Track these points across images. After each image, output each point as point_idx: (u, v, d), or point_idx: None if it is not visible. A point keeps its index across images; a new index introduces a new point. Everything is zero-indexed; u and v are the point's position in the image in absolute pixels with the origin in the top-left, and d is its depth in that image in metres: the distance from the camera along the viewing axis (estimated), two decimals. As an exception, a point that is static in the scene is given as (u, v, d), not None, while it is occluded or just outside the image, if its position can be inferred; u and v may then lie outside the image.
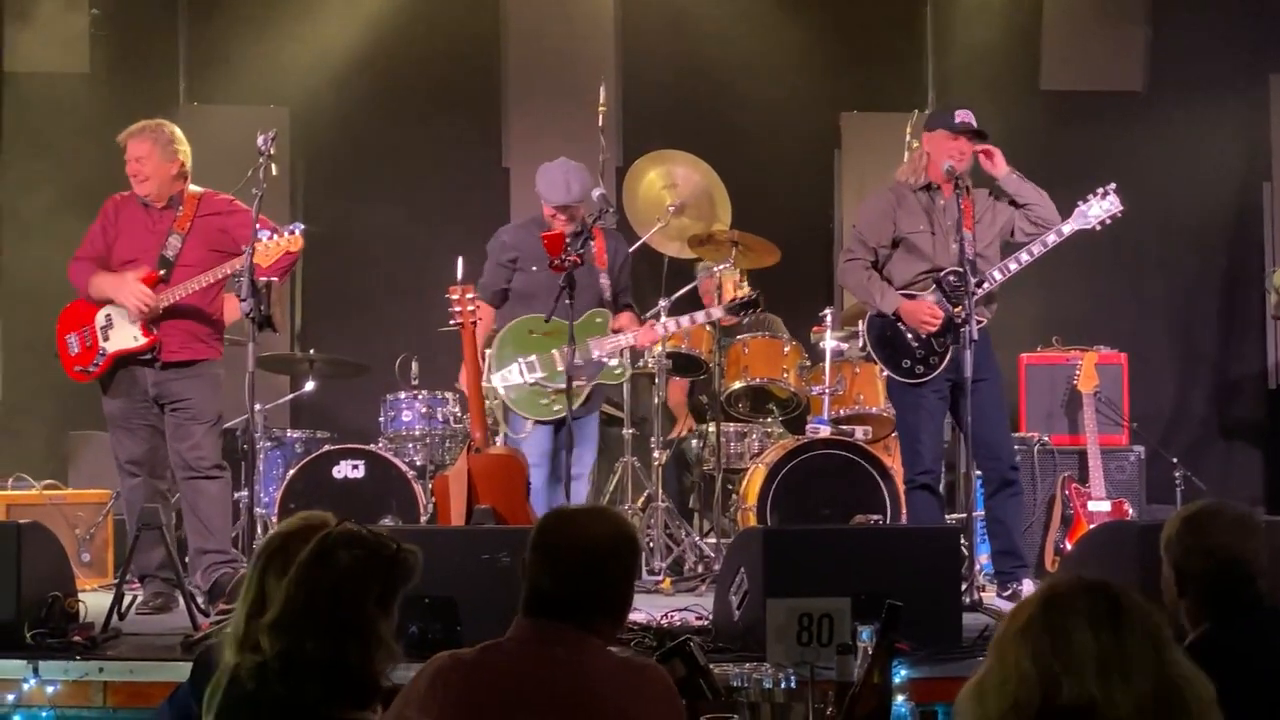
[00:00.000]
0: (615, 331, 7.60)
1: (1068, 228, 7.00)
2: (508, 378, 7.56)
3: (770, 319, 9.14)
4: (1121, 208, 6.92)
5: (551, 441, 7.56)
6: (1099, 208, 6.93)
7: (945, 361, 7.08)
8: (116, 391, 7.08)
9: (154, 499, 6.96)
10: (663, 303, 8.34)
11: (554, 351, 7.48)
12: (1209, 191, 10.33)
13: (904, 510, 7.53)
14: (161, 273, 6.98)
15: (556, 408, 7.45)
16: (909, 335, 7.16)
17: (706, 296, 8.99)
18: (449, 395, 8.63)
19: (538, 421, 7.59)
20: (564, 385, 7.25)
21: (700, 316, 7.88)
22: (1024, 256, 7.06)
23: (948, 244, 7.11)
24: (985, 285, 7.01)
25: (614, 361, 7.62)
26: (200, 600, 6.70)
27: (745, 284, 9.14)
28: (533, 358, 7.54)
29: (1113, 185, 6.98)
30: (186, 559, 7.19)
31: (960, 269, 6.97)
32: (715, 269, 8.55)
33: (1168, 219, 10.28)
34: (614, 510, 3.65)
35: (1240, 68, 10.32)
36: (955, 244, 7.02)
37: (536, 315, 7.48)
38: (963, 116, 7.15)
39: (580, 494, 7.60)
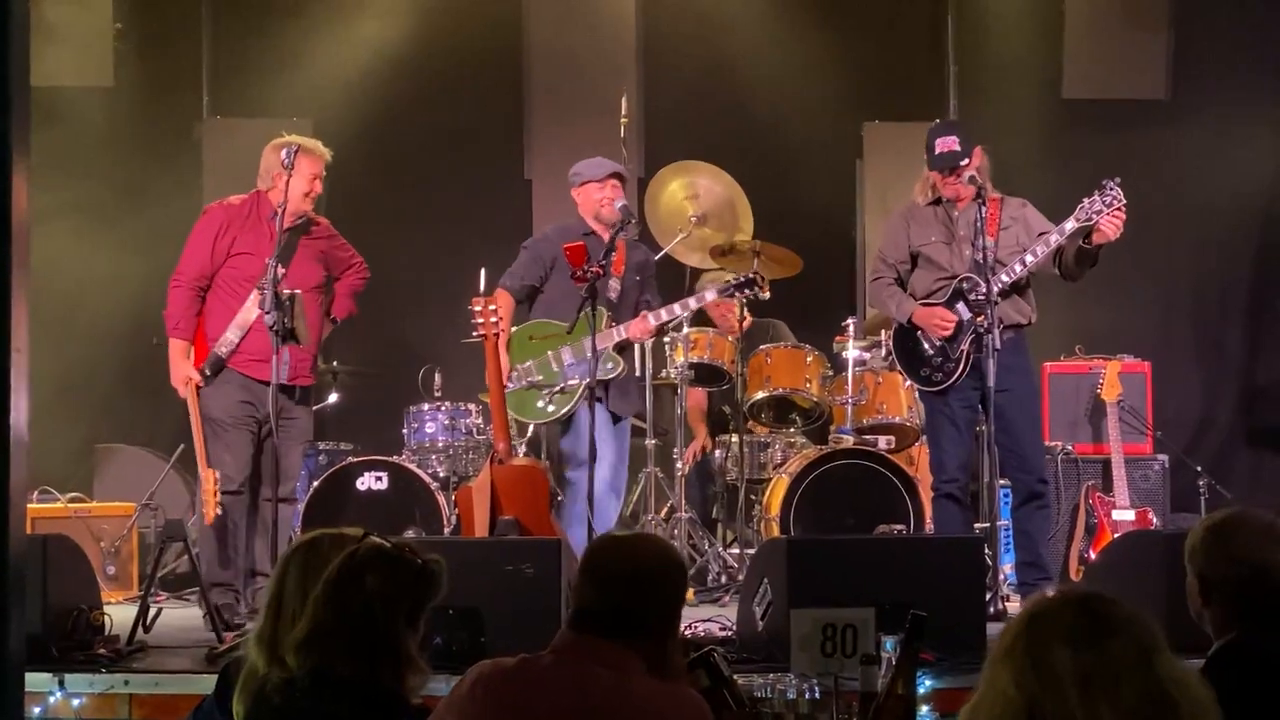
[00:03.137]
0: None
1: (1069, 225, 6.99)
2: (508, 387, 7.63)
3: (777, 325, 9.14)
4: (1123, 200, 6.89)
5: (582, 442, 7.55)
6: (1100, 203, 6.92)
7: (961, 369, 7.11)
8: (230, 402, 7.02)
9: (252, 513, 7.00)
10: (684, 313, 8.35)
11: (549, 353, 7.61)
12: (1233, 199, 10.28)
13: (928, 519, 7.54)
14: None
15: (551, 409, 7.56)
16: (925, 344, 7.21)
17: (718, 315, 9.03)
18: (472, 407, 8.65)
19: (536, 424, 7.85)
20: (560, 386, 7.49)
21: (692, 302, 7.84)
22: (1028, 258, 7.06)
23: (963, 252, 7.14)
24: (1005, 277, 7.02)
25: (606, 360, 7.65)
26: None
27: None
28: (529, 363, 7.65)
29: (1116, 179, 6.95)
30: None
31: (973, 276, 7.02)
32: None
33: (1191, 227, 10.25)
34: (660, 537, 3.65)
35: (1264, 74, 10.28)
36: (969, 251, 7.06)
37: (540, 321, 7.68)
38: (943, 146, 7.14)
39: (610, 514, 7.63)
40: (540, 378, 7.62)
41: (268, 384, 6.81)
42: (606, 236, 7.69)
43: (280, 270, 6.73)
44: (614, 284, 7.78)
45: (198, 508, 6.98)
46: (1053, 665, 2.33)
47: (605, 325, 7.58)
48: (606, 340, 7.56)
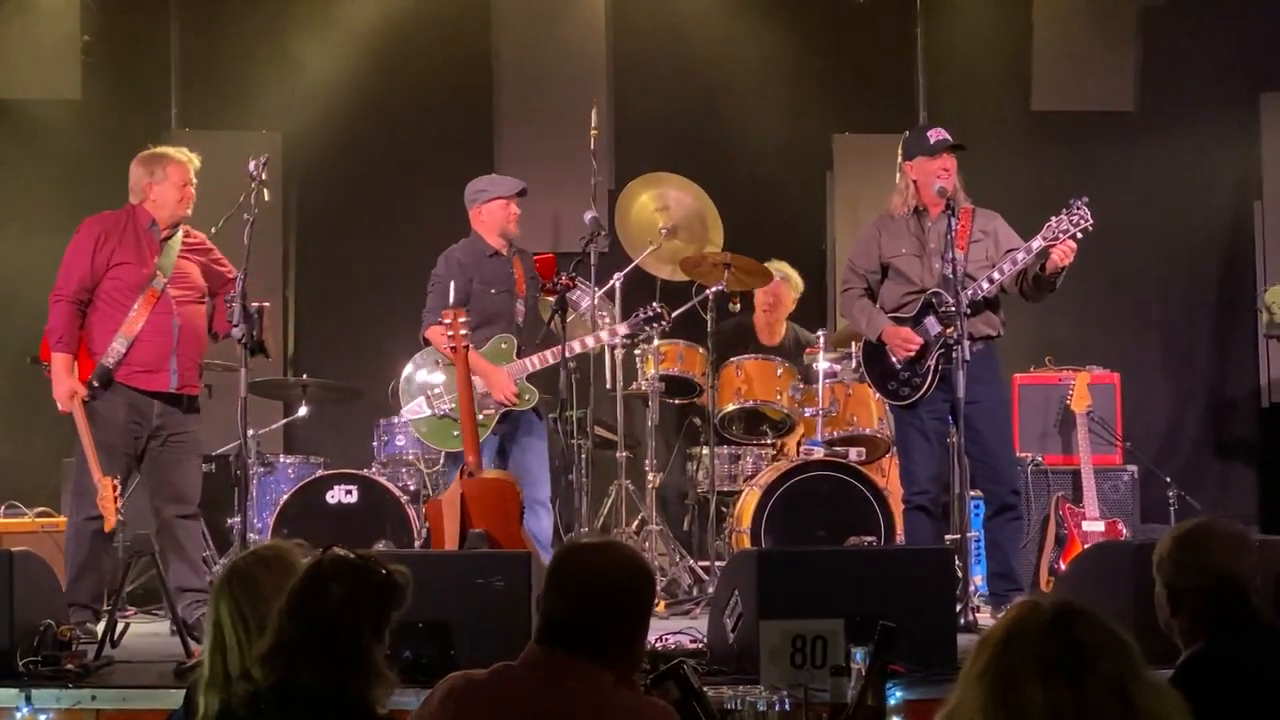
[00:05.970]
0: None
1: (1036, 244, 7.01)
2: (416, 411, 7.68)
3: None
4: (1091, 221, 6.91)
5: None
6: (1068, 222, 6.93)
7: (929, 383, 7.14)
8: (115, 419, 6.87)
9: (162, 532, 6.92)
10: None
11: None
12: (1200, 211, 10.34)
13: (899, 531, 7.55)
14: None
15: None
16: (893, 359, 7.23)
17: (770, 312, 9.05)
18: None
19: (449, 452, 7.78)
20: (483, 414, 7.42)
21: (605, 336, 7.81)
22: (995, 275, 7.07)
23: (932, 265, 7.16)
24: (972, 294, 7.03)
25: (523, 392, 7.65)
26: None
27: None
28: (439, 389, 7.64)
29: (1084, 198, 6.97)
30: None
31: (941, 289, 7.04)
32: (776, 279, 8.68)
33: (1159, 239, 10.31)
34: (628, 545, 3.61)
35: (1230, 86, 10.33)
36: (939, 265, 7.08)
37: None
38: (936, 135, 7.21)
39: (544, 525, 7.61)
40: (453, 406, 7.54)
41: (154, 395, 6.85)
42: (506, 252, 7.77)
43: (244, 280, 6.67)
44: (519, 306, 7.78)
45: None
46: (1022, 699, 2.32)
47: (515, 353, 7.62)
48: (520, 371, 7.58)
